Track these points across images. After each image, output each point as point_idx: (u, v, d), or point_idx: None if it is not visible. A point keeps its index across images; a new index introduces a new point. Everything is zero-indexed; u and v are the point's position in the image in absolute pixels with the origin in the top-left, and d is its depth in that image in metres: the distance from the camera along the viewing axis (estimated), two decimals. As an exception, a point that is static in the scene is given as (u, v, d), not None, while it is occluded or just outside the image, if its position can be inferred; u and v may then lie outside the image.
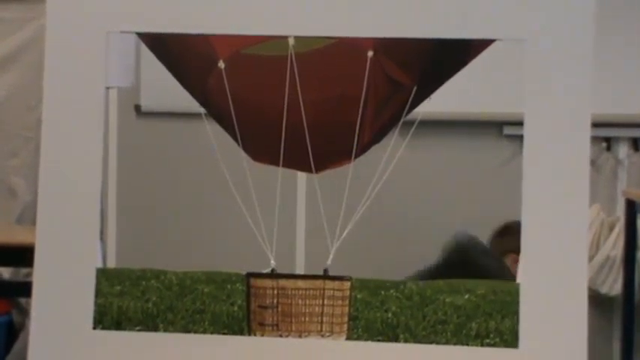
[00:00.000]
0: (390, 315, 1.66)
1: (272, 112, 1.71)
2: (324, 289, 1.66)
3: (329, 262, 1.70)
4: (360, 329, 1.66)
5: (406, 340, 1.64)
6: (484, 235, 2.91)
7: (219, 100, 1.72)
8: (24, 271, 3.63)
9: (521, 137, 1.64)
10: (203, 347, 1.66)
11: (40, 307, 1.68)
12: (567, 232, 1.61)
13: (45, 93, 1.70)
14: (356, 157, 1.72)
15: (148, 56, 1.78)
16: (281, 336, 1.65)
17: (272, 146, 1.72)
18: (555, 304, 1.60)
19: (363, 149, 1.73)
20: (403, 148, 1.78)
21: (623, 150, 3.42)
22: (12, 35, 3.88)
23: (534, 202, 1.62)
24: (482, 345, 1.63)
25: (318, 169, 1.74)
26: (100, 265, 1.69)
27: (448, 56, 1.69)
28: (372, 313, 1.66)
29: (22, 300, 3.64)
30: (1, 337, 3.68)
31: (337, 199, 1.74)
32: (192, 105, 1.77)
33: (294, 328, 1.65)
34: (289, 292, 1.66)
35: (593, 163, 3.35)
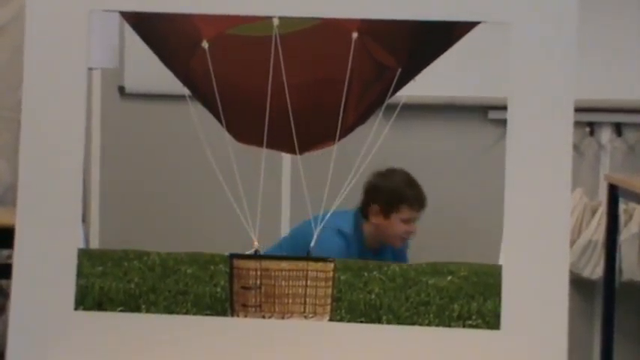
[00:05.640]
0: (373, 296, 1.66)
1: (256, 92, 1.70)
2: (307, 271, 1.66)
3: (312, 243, 1.70)
4: (343, 310, 1.66)
5: (389, 322, 1.65)
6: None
7: (202, 80, 1.71)
8: (5, 253, 3.61)
9: (506, 122, 1.64)
10: (185, 328, 1.65)
11: (21, 288, 1.67)
12: (550, 215, 1.62)
13: (25, 73, 1.68)
14: (340, 138, 1.72)
15: (131, 37, 1.76)
16: (264, 317, 1.65)
17: (256, 127, 1.71)
18: (537, 287, 1.61)
19: (346, 131, 1.73)
20: (387, 130, 1.78)
21: (605, 135, 3.44)
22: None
23: (517, 186, 1.62)
24: (464, 326, 1.64)
25: (302, 151, 1.73)
26: (81, 246, 1.68)
27: (432, 38, 1.69)
28: (355, 294, 1.66)
29: (3, 282, 3.62)
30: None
31: (321, 181, 1.74)
32: (177, 86, 1.76)
33: (277, 310, 1.65)
34: (272, 274, 1.66)
35: (576, 147, 3.36)
